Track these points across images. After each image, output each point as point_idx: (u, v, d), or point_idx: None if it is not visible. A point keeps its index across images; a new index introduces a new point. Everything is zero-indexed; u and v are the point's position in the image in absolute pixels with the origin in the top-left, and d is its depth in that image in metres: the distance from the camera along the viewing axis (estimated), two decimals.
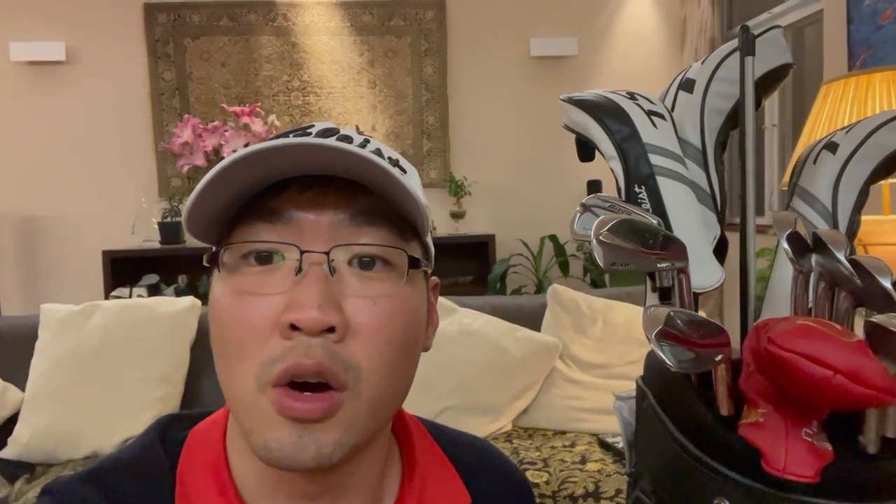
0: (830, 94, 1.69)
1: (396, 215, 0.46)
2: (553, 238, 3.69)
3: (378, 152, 0.48)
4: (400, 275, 0.45)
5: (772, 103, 3.23)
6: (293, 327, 0.41)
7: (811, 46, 3.20)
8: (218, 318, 0.44)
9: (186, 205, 0.43)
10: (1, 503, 1.52)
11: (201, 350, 2.07)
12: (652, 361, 0.51)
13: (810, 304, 0.46)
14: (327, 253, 0.43)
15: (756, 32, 0.52)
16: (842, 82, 1.68)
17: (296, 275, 0.42)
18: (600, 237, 0.43)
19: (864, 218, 0.52)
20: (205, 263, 0.46)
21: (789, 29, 3.17)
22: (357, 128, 3.59)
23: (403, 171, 0.49)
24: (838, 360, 0.33)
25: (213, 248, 0.46)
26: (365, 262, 0.44)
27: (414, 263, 0.46)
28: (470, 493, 0.56)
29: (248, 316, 0.43)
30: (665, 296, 0.48)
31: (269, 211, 0.44)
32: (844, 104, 1.63)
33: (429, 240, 0.51)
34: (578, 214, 0.52)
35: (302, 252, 0.43)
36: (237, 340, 0.43)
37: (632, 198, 0.53)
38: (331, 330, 0.41)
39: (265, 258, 0.44)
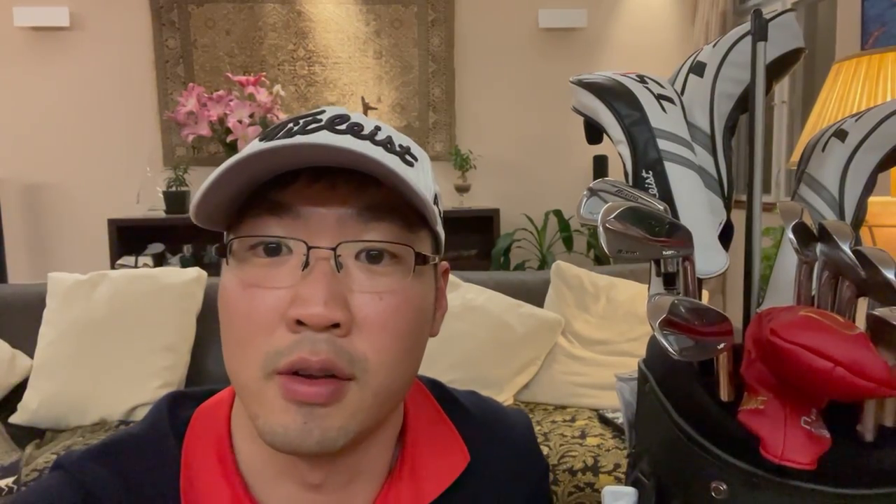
0: (842, 73, 1.67)
1: (406, 207, 0.46)
2: (557, 213, 3.68)
3: (388, 140, 0.47)
4: (407, 270, 0.46)
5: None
6: (299, 322, 0.42)
7: (823, 22, 3.15)
8: (226, 307, 0.45)
9: (193, 200, 0.43)
10: (12, 467, 1.56)
11: (207, 321, 2.09)
12: (654, 345, 0.52)
13: (813, 292, 0.46)
14: (334, 249, 0.43)
15: (768, 16, 0.52)
16: (853, 62, 1.66)
17: (303, 269, 0.43)
18: (607, 224, 0.43)
19: (870, 199, 0.52)
20: (213, 254, 0.47)
21: (801, 4, 3.11)
22: (363, 99, 3.56)
23: (414, 158, 0.49)
24: (839, 353, 0.34)
25: (223, 239, 0.47)
26: (372, 256, 0.45)
27: (421, 260, 0.46)
28: (471, 451, 0.56)
29: (255, 308, 0.43)
30: (669, 281, 0.48)
31: (278, 204, 0.44)
32: (856, 84, 1.61)
33: (439, 228, 0.50)
34: (585, 198, 0.52)
35: (309, 247, 0.43)
36: (244, 331, 0.44)
37: (639, 183, 0.53)
38: (336, 325, 0.42)
39: (273, 250, 0.44)
